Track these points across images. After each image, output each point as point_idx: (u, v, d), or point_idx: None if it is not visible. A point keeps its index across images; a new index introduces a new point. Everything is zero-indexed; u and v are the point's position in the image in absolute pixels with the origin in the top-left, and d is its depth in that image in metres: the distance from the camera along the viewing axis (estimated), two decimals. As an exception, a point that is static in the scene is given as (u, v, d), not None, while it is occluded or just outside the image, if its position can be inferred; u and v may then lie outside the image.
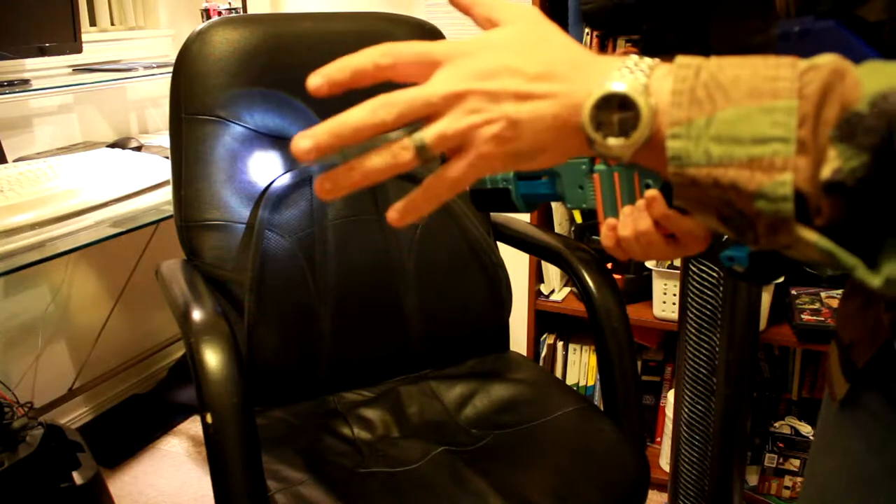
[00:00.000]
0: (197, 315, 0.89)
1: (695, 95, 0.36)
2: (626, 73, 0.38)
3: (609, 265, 1.73)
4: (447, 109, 0.39)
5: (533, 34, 0.41)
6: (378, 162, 0.40)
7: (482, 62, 0.39)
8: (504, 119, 0.38)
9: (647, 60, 0.39)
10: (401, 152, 0.39)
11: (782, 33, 0.38)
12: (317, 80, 0.40)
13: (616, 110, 0.37)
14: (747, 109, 0.34)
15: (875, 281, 0.33)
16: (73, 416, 2.01)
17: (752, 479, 1.70)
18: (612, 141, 0.38)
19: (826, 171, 0.32)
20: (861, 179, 0.32)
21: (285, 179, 1.14)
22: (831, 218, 0.33)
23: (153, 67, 1.90)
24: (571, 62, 0.40)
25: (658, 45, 0.48)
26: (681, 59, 0.37)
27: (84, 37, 1.74)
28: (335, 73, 0.40)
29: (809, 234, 0.34)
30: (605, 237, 0.53)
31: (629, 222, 0.51)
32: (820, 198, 0.33)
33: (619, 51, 0.57)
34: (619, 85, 0.37)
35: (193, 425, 2.05)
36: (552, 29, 0.42)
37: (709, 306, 1.37)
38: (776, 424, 1.66)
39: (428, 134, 0.39)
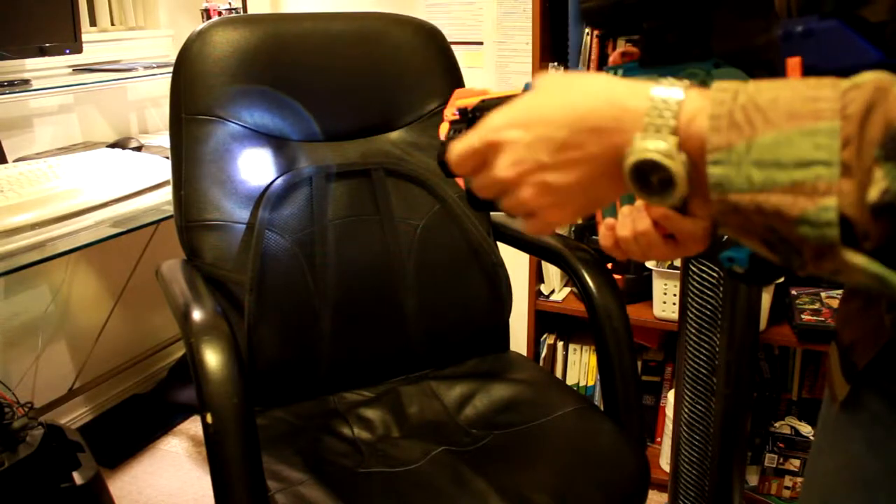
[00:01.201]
0: (197, 315, 0.89)
1: (733, 119, 0.35)
2: (651, 131, 0.38)
3: (609, 265, 1.73)
4: (508, 189, 0.46)
5: (555, 99, 0.43)
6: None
7: (516, 150, 0.44)
8: (551, 193, 0.44)
9: (674, 94, 0.38)
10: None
11: (785, 33, 0.38)
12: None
13: (652, 172, 0.38)
14: (788, 132, 0.33)
15: None
16: (73, 416, 2.01)
17: (752, 479, 1.70)
18: (658, 199, 0.40)
19: (874, 193, 0.31)
20: None
21: (285, 179, 1.14)
22: (880, 240, 0.32)
23: (153, 67, 1.90)
24: (594, 127, 0.41)
25: (658, 45, 0.48)
26: (718, 84, 0.37)
27: (84, 37, 1.74)
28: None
29: (857, 259, 0.33)
30: (604, 237, 0.53)
31: (628, 222, 0.50)
32: (868, 221, 0.32)
33: (617, 50, 0.56)
34: (645, 151, 0.38)
35: (193, 425, 2.05)
36: (574, 87, 0.43)
37: (709, 306, 1.37)
38: (776, 424, 1.65)
39: (503, 207, 0.48)
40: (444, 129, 0.65)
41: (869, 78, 0.33)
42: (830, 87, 0.33)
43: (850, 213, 0.32)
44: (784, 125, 0.34)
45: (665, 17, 0.47)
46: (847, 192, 0.32)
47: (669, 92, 0.39)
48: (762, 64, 0.42)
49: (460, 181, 0.63)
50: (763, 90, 0.35)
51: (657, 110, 0.38)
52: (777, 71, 0.38)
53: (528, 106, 0.45)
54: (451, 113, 0.65)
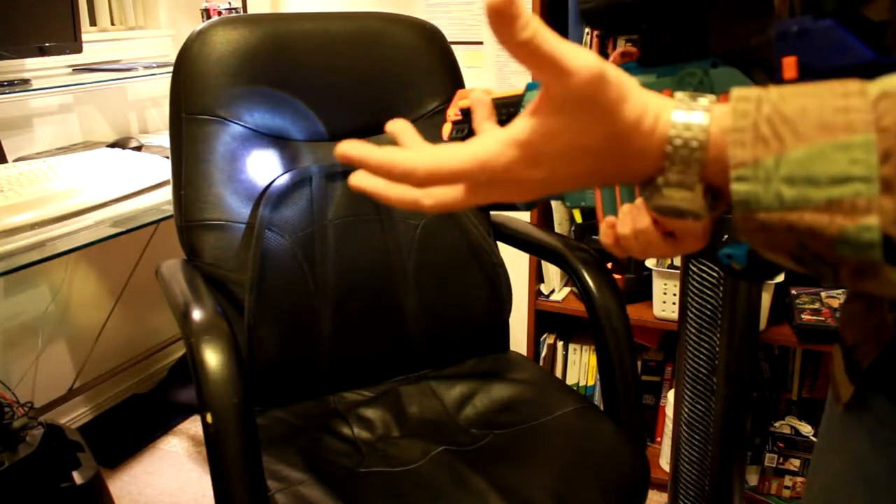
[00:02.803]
0: (197, 315, 0.89)
1: (759, 132, 0.33)
2: (677, 163, 0.36)
3: (609, 265, 1.73)
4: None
5: (580, 138, 0.37)
6: (398, 197, 0.42)
7: (522, 181, 0.39)
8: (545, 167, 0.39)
9: (696, 118, 0.35)
10: (419, 204, 0.41)
11: (780, 33, 0.38)
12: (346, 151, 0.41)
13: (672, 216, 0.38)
14: (820, 147, 0.32)
15: None
16: (73, 416, 2.01)
17: (752, 479, 1.70)
18: (674, 219, 0.39)
19: None
20: None
21: (285, 179, 1.14)
22: None
23: (153, 67, 1.90)
24: (608, 174, 0.39)
25: (655, 45, 0.48)
26: (738, 92, 0.35)
27: (84, 37, 1.74)
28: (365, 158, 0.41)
29: None
30: (604, 235, 0.53)
31: (628, 220, 0.50)
32: None
33: (617, 51, 0.56)
34: (672, 199, 0.37)
35: (193, 425, 2.05)
36: (605, 117, 0.37)
37: (709, 306, 1.37)
38: (776, 424, 1.65)
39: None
40: (446, 129, 0.65)
41: None
42: (859, 95, 0.32)
43: (892, 233, 0.30)
44: (815, 138, 0.32)
45: (660, 17, 0.47)
46: (888, 210, 0.30)
47: (691, 116, 0.35)
48: (758, 63, 0.42)
49: None
50: (788, 98, 0.33)
51: (682, 139, 0.36)
52: (773, 70, 0.38)
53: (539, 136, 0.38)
54: (453, 113, 0.65)
